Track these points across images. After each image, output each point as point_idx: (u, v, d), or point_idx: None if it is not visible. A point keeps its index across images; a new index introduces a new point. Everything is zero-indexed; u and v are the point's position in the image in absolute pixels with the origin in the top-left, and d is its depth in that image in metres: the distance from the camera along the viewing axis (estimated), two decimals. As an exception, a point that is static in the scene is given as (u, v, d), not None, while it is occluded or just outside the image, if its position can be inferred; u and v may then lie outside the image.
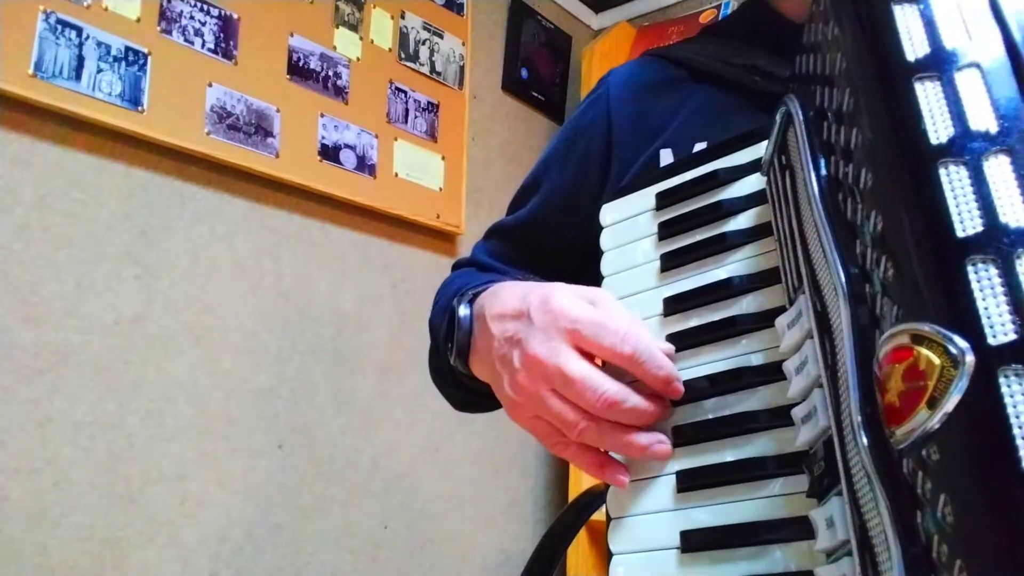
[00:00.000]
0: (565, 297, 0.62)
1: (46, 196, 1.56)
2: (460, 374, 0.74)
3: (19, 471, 1.48)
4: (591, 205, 0.77)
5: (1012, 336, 0.34)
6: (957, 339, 0.35)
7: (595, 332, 0.59)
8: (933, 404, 0.36)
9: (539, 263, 0.93)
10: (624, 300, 0.70)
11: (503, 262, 0.96)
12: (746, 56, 0.80)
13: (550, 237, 0.93)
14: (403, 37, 2.23)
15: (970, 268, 0.35)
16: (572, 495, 2.34)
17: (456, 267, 1.03)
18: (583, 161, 0.90)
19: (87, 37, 1.59)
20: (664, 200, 0.71)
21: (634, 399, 0.59)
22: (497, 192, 2.52)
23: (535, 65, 2.67)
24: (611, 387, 0.59)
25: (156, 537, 1.66)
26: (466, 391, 0.82)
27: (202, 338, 1.77)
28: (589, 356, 0.61)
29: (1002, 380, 0.34)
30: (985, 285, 0.35)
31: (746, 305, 0.62)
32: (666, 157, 0.80)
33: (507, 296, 0.66)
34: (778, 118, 0.58)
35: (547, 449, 0.66)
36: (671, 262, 0.68)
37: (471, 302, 0.72)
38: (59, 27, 1.55)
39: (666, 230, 0.69)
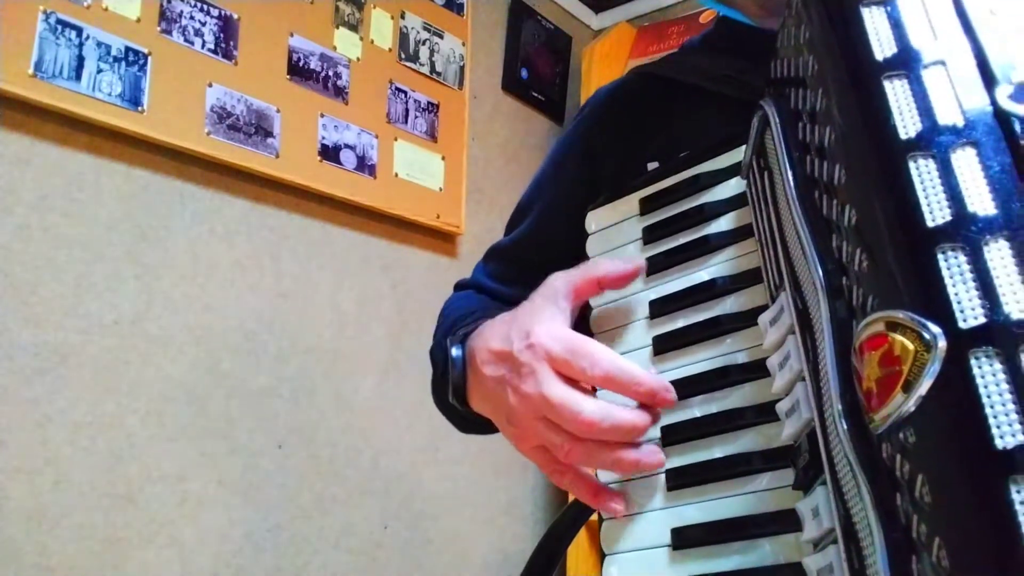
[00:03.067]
0: (543, 326, 0.63)
1: (46, 196, 1.56)
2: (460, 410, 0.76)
3: (19, 471, 1.49)
4: (582, 222, 0.78)
5: (981, 320, 0.35)
6: (930, 324, 0.36)
7: (567, 358, 0.61)
8: (908, 388, 0.37)
9: (538, 281, 0.95)
10: (611, 304, 0.71)
11: (503, 283, 0.98)
12: (726, 67, 0.82)
13: (546, 255, 0.95)
14: (403, 37, 2.24)
15: (940, 256, 0.37)
16: (572, 495, 2.34)
17: (457, 287, 1.05)
18: (572, 181, 0.93)
19: (87, 37, 1.60)
20: (648, 205, 0.72)
21: (615, 416, 0.59)
22: (497, 192, 2.52)
23: (535, 65, 2.68)
24: (588, 407, 0.59)
25: (156, 537, 1.66)
26: (467, 420, 0.84)
27: (202, 338, 1.78)
28: (573, 381, 0.62)
29: (973, 362, 0.35)
30: (955, 272, 0.36)
31: (730, 305, 0.63)
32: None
33: (491, 336, 0.68)
34: (755, 122, 0.59)
35: (548, 478, 0.68)
36: (656, 265, 0.69)
37: (463, 343, 0.74)
38: (59, 27, 1.56)
39: (650, 234, 0.71)
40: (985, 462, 0.34)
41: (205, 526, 1.75)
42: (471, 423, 0.86)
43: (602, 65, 2.54)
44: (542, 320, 0.64)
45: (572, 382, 0.61)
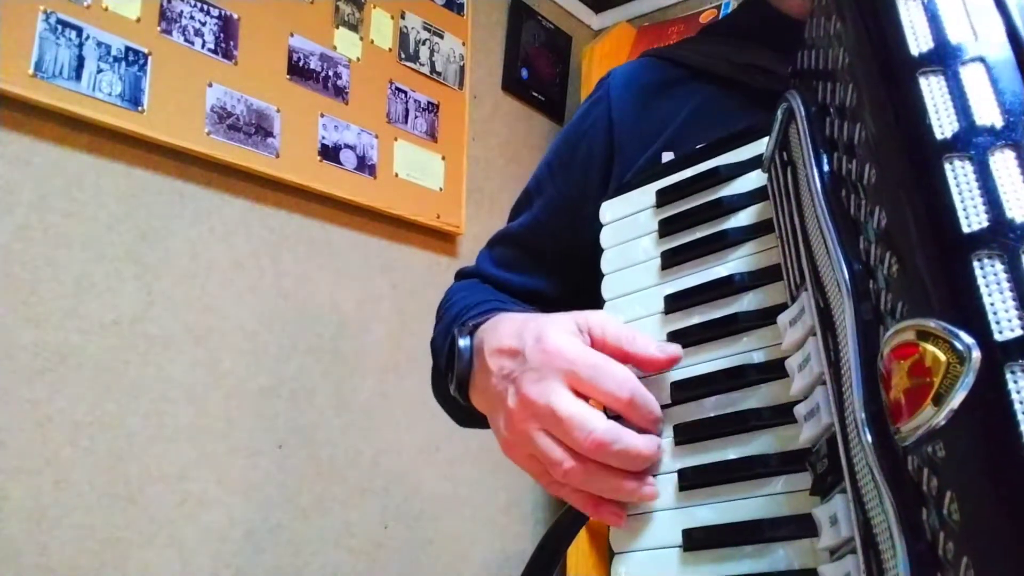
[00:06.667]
0: (560, 335, 0.60)
1: (46, 196, 1.56)
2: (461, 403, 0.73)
3: (19, 471, 1.48)
4: (595, 208, 0.76)
5: (1019, 331, 0.34)
6: (963, 335, 0.35)
7: (592, 375, 0.58)
8: (939, 401, 0.35)
9: (545, 268, 0.93)
10: (625, 298, 0.70)
11: (510, 270, 0.94)
12: (747, 54, 0.79)
13: (556, 241, 0.92)
14: (403, 37, 2.23)
15: (976, 263, 0.35)
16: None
17: (459, 276, 1.01)
18: (586, 164, 0.89)
19: (87, 37, 1.59)
20: (664, 197, 0.70)
21: (626, 440, 0.57)
22: (497, 192, 2.52)
23: (535, 65, 2.67)
24: (601, 426, 0.57)
25: (156, 537, 1.65)
26: (467, 413, 0.82)
27: (202, 338, 1.77)
28: (584, 397, 0.59)
29: (1008, 376, 0.33)
30: (991, 280, 0.35)
31: (748, 302, 0.61)
32: (668, 159, 0.80)
33: (504, 331, 0.65)
34: (779, 114, 0.57)
35: (544, 488, 0.65)
36: (672, 259, 0.67)
37: (471, 333, 0.70)
38: (59, 27, 1.55)
39: (667, 227, 0.69)
40: (1018, 482, 0.33)
41: (205, 526, 1.74)
42: (470, 417, 0.83)
43: (602, 65, 2.53)
44: (558, 331, 0.61)
45: (581, 397, 0.59)
